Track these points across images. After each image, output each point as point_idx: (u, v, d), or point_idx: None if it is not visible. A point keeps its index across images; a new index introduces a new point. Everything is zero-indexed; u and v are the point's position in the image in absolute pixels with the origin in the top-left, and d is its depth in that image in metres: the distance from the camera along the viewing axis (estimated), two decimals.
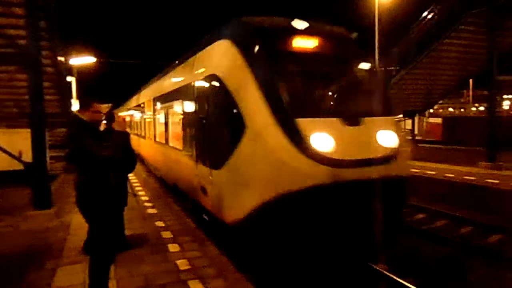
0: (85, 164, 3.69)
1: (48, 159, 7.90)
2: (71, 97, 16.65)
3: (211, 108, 5.72)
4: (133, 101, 17.69)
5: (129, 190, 5.56)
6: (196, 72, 6.53)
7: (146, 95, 13.36)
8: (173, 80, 8.74)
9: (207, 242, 5.59)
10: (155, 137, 11.41)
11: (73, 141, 3.74)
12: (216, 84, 5.43)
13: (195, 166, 6.41)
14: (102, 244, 3.73)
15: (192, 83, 6.64)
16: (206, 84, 5.89)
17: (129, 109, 19.55)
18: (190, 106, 6.87)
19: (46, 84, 8.86)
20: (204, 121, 5.95)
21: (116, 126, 4.36)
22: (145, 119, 13.75)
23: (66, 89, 13.52)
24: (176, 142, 8.34)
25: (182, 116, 7.58)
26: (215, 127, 5.62)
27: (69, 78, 16.35)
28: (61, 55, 12.20)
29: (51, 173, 8.27)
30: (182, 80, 7.68)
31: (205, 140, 6.00)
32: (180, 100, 7.67)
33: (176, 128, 8.43)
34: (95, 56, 18.51)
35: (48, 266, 4.71)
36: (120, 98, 27.79)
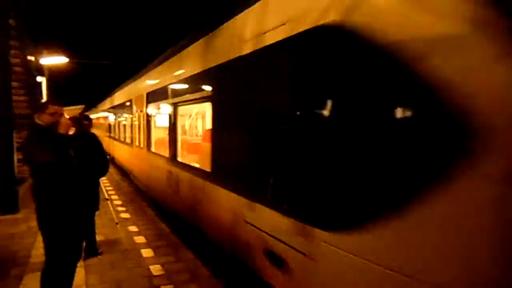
0: (35, 170, 3.49)
1: (15, 161, 7.61)
2: (41, 97, 16.13)
3: (321, 97, 2.70)
4: (112, 100, 15.62)
5: (102, 194, 5.44)
6: (264, 31, 3.34)
7: (134, 90, 10.37)
8: (192, 58, 5.42)
9: (182, 246, 5.54)
10: (148, 145, 8.42)
11: (24, 145, 3.57)
12: (340, 45, 2.51)
13: (248, 207, 3.57)
14: (58, 258, 3.46)
15: (251, 52, 3.55)
16: (301, 49, 2.89)
17: (106, 110, 18.21)
18: (239, 97, 3.86)
19: (14, 84, 8.56)
20: (288, 125, 3.05)
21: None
22: (129, 121, 11.05)
23: (36, 90, 13.10)
24: (193, 158, 5.92)
25: (215, 116, 4.50)
26: (341, 137, 2.57)
27: (39, 78, 15.85)
28: (31, 54, 11.84)
29: (19, 176, 7.95)
30: (214, 53, 4.48)
31: (294, 163, 2.98)
32: (209, 89, 4.64)
33: (192, 136, 6.24)
34: (68, 56, 18.00)
35: (14, 273, 4.53)
36: (94, 99, 27.15)
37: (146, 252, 5.26)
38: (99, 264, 4.79)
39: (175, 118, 6.27)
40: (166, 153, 6.56)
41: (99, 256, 5.04)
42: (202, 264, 4.87)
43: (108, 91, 17.83)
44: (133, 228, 6.43)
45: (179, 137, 6.21)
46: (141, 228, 6.44)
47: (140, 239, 5.84)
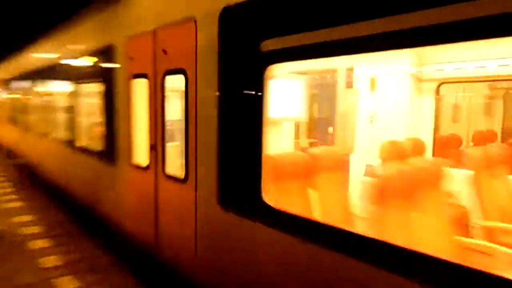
0: None
1: None
2: None
3: None
4: (27, 61, 9.10)
5: None
6: None
7: (122, 23, 4.31)
8: None
9: (81, 235, 5.30)
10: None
11: None
12: None
13: None
14: None
15: None
16: None
17: (4, 81, 12.68)
18: None
19: None
20: None
21: None
22: (96, 101, 5.14)
23: None
24: None
25: None
26: None
27: None
28: None
29: None
30: None
31: None
32: None
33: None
34: None
35: None
36: None
37: (42, 242, 4.94)
38: None
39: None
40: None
41: None
42: (104, 252, 4.74)
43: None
44: (25, 218, 5.93)
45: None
46: (35, 217, 5.96)
47: (34, 229, 5.43)
